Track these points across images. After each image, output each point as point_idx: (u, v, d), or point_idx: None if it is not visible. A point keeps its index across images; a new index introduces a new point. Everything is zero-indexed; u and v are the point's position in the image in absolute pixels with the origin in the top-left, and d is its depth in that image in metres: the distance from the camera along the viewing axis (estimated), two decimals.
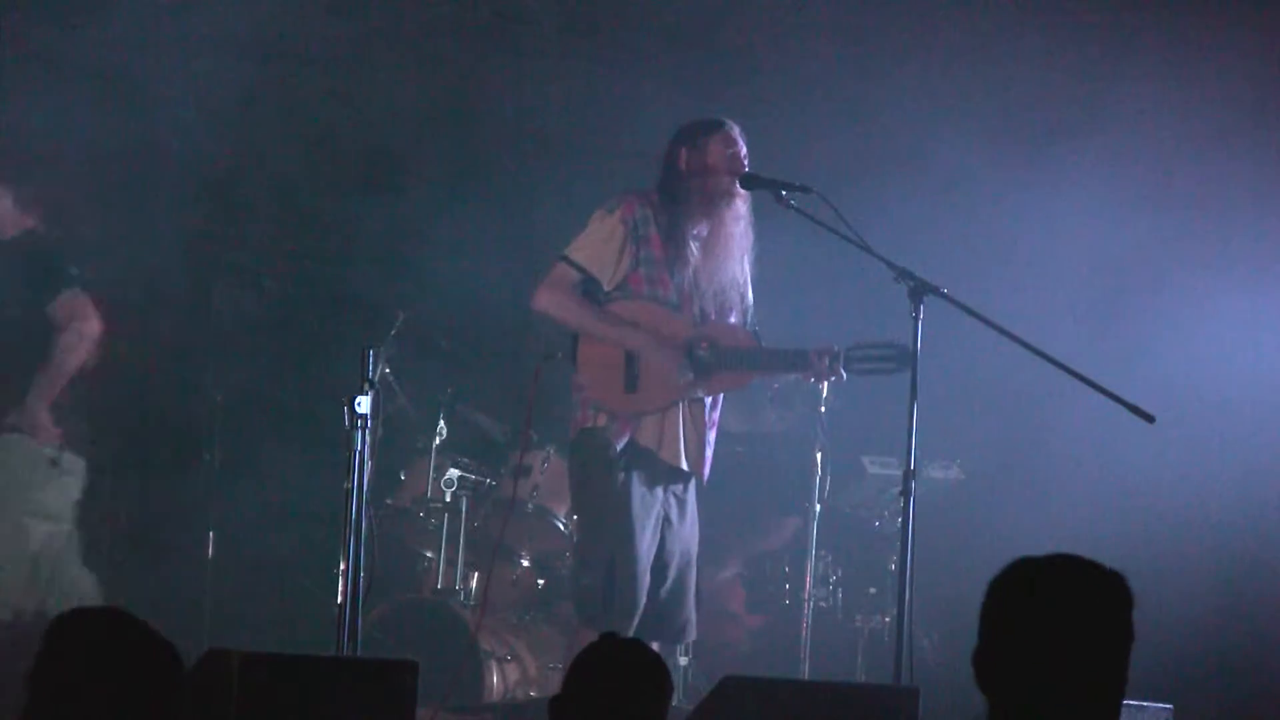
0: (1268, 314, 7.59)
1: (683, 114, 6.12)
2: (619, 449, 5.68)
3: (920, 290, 5.30)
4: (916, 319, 5.29)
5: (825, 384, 6.50)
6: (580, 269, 5.71)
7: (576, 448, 5.79)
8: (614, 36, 8.16)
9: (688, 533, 5.86)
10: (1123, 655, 2.69)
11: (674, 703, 6.08)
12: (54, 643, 2.98)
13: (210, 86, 7.76)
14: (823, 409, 6.84)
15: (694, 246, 5.79)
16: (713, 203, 5.77)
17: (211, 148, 7.77)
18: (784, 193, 5.67)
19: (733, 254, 5.81)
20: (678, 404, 5.75)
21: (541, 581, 7.36)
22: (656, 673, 3.38)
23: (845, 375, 5.77)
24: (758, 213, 5.87)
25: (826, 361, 5.74)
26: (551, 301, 5.71)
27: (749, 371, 5.82)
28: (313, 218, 8.00)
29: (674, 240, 5.75)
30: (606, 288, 5.74)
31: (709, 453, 5.85)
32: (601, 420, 5.71)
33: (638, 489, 5.69)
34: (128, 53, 7.50)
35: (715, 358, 5.74)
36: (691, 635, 5.98)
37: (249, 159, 7.87)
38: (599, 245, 5.72)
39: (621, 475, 5.67)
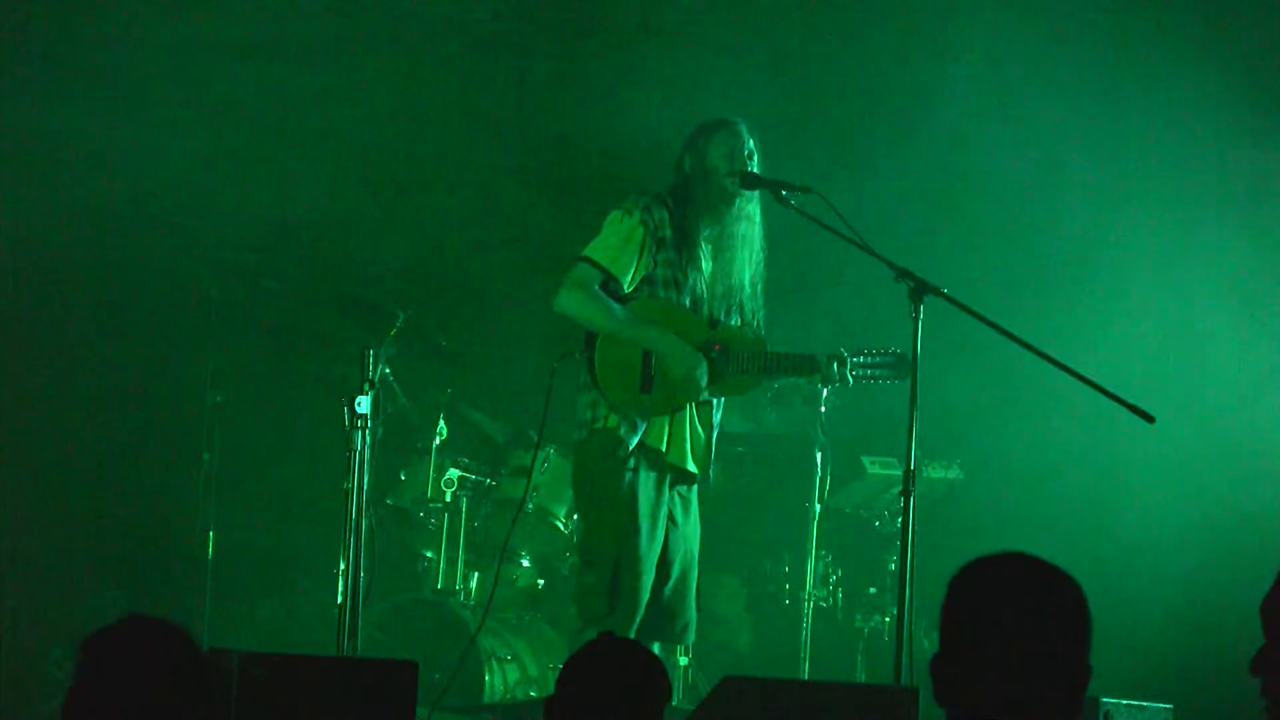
0: (1266, 313, 7.59)
1: (683, 114, 6.11)
2: (629, 449, 5.66)
3: (920, 290, 5.29)
4: (916, 319, 5.28)
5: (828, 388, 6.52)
6: (601, 269, 5.69)
7: (585, 447, 5.76)
8: (614, 37, 8.16)
9: (691, 533, 5.85)
10: (1077, 659, 2.59)
11: (674, 703, 6.11)
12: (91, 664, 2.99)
13: (210, 86, 7.76)
14: (823, 409, 6.83)
15: (705, 249, 5.80)
16: (715, 203, 5.77)
17: (211, 148, 7.77)
18: (784, 193, 5.67)
19: (740, 254, 5.80)
20: (687, 405, 5.75)
21: (541, 581, 7.36)
22: (651, 673, 3.34)
23: (851, 381, 5.82)
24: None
25: (834, 366, 5.77)
26: (574, 302, 5.69)
27: (758, 375, 5.82)
28: (313, 217, 7.99)
29: (687, 242, 5.75)
30: (626, 288, 5.73)
31: (713, 454, 5.86)
32: (612, 420, 5.70)
33: (645, 489, 5.68)
34: (128, 53, 7.50)
35: (726, 361, 5.74)
36: (691, 637, 5.96)
37: (249, 159, 7.87)
38: (619, 246, 5.70)
39: (629, 475, 5.67)
